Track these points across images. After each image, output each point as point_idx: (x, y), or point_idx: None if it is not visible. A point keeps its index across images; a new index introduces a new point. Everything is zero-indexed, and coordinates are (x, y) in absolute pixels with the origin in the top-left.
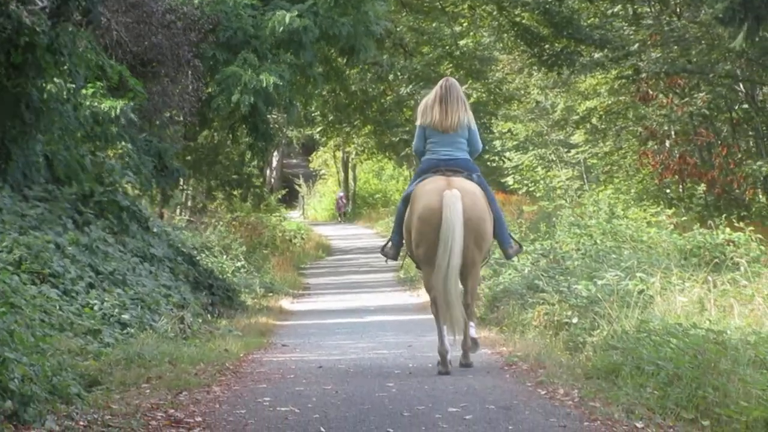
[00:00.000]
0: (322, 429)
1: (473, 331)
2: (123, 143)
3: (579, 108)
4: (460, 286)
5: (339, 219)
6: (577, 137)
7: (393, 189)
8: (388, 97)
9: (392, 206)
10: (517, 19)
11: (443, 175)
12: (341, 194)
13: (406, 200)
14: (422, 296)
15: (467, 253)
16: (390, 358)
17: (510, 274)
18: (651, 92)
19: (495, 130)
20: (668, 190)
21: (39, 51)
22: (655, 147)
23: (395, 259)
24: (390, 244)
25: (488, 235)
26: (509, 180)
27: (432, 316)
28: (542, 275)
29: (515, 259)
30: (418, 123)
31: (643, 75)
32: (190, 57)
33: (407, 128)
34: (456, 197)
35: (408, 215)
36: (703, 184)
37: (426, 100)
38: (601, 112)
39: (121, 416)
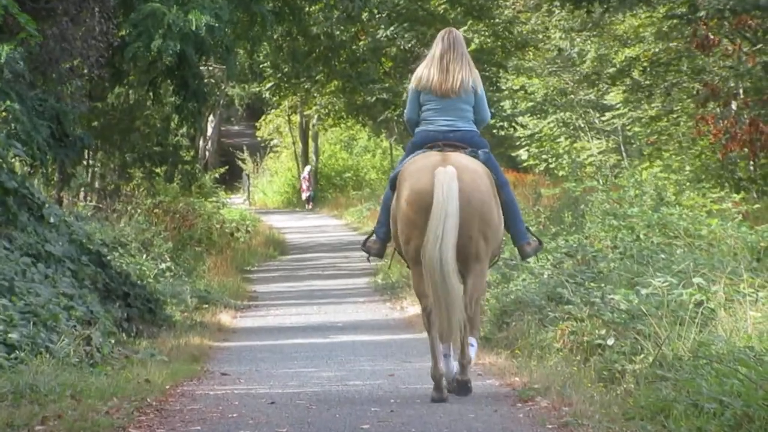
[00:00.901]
0: None
1: (473, 351)
2: (8, 103)
3: (616, 58)
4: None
5: (307, 206)
6: (614, 97)
7: (368, 165)
8: (361, 43)
9: (366, 188)
10: None
11: (441, 151)
12: (307, 173)
13: (394, 183)
14: (407, 309)
15: (469, 243)
16: (365, 392)
17: (524, 280)
18: (712, 37)
19: (504, 87)
20: (735, 168)
21: None
22: (718, 110)
23: (380, 256)
24: (374, 237)
25: (495, 223)
26: (522, 154)
27: (423, 335)
28: (567, 281)
29: (532, 259)
30: (411, 85)
31: (702, 13)
32: None
33: (386, 84)
34: (451, 175)
35: (395, 201)
36: None
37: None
38: (646, 64)
39: None
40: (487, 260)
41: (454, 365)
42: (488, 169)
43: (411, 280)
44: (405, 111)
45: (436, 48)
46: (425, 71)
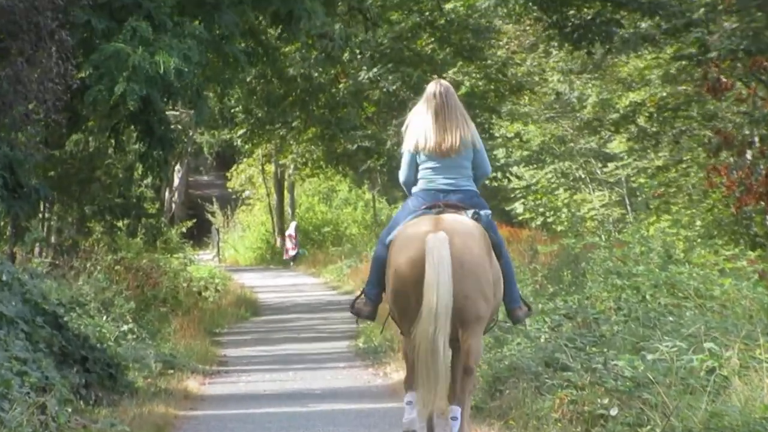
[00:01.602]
0: None
1: (456, 426)
2: None
3: (619, 103)
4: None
5: (291, 264)
6: (617, 145)
7: (348, 219)
8: (341, 86)
9: (347, 244)
10: None
11: (441, 213)
12: (293, 231)
13: (388, 245)
14: (391, 375)
15: (466, 304)
16: None
17: (519, 344)
18: (725, 80)
19: (497, 135)
20: (751, 223)
21: None
22: (731, 159)
23: (372, 318)
24: (364, 299)
25: (491, 282)
26: (517, 207)
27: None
28: (566, 346)
29: (528, 321)
30: (405, 148)
31: (713, 54)
32: (55, 27)
33: (369, 131)
34: (441, 241)
35: (387, 269)
36: None
37: (413, 118)
38: (652, 109)
39: None
40: (486, 321)
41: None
42: (484, 230)
43: (400, 344)
44: (400, 173)
45: (429, 105)
46: (421, 132)
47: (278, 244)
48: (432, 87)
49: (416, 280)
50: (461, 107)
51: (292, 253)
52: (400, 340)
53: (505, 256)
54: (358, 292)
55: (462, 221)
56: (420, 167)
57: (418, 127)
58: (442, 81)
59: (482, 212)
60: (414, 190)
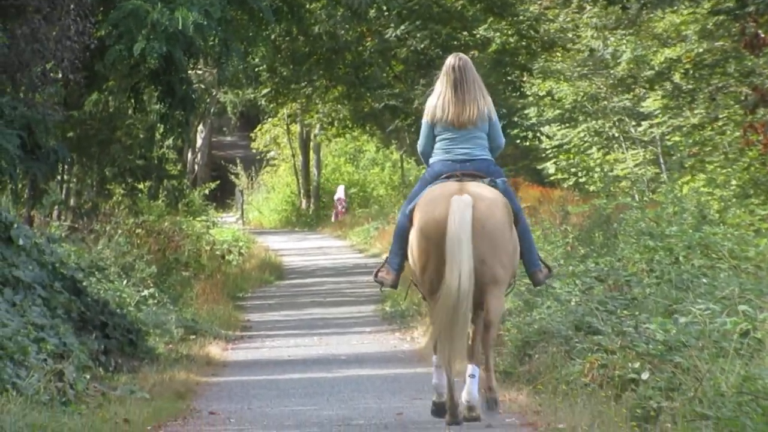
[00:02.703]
0: None
1: (475, 383)
2: None
3: (654, 59)
4: (471, 326)
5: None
6: (652, 103)
7: (375, 180)
8: (368, 44)
9: (374, 206)
10: None
11: (459, 181)
12: (341, 195)
13: (410, 214)
14: (418, 340)
15: (483, 269)
16: None
17: (549, 308)
18: (763, 35)
19: (528, 93)
20: None
21: None
22: None
23: (395, 287)
24: (387, 268)
25: (510, 250)
26: (549, 167)
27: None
28: (597, 309)
29: (558, 284)
30: (425, 119)
31: (751, 8)
32: None
33: (396, 90)
34: (466, 203)
35: (411, 231)
36: None
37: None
38: (688, 66)
39: None
40: (505, 285)
41: (476, 391)
42: (506, 200)
43: (426, 308)
44: (419, 143)
45: (448, 78)
46: (440, 104)
47: (303, 206)
48: (451, 60)
49: (439, 239)
50: (479, 80)
51: (342, 217)
52: (427, 305)
53: (523, 222)
54: (382, 261)
55: (487, 188)
56: (437, 138)
57: (437, 100)
58: (461, 55)
59: (498, 180)
60: (431, 160)
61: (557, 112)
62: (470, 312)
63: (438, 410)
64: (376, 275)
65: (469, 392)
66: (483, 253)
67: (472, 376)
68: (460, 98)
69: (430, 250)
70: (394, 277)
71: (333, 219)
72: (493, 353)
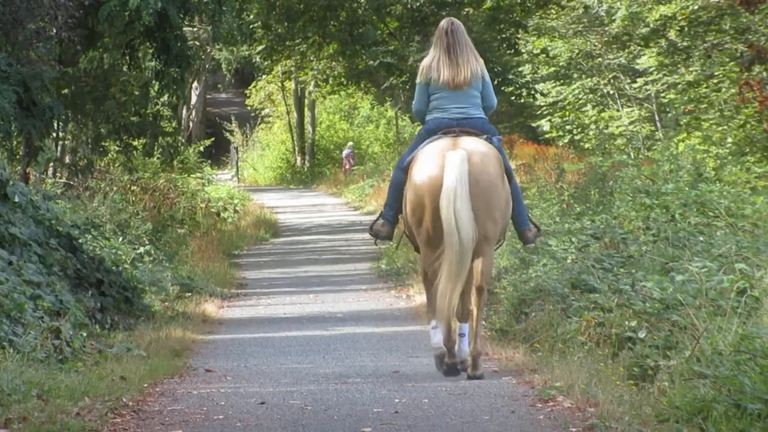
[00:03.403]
0: None
1: (478, 342)
2: None
3: (649, 16)
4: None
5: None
6: (647, 60)
7: (370, 137)
8: (362, 1)
9: (369, 163)
10: None
11: (455, 136)
12: (349, 150)
13: (407, 168)
14: (414, 298)
15: (478, 225)
16: (366, 391)
17: (545, 266)
18: None
19: (523, 50)
20: None
21: None
22: (765, 74)
23: (389, 238)
24: (382, 220)
25: (502, 205)
26: (544, 124)
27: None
28: (593, 267)
29: (554, 242)
30: (419, 80)
31: None
32: None
33: (390, 47)
34: (461, 158)
35: (406, 186)
36: None
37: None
38: (683, 23)
39: None
40: (495, 242)
41: (467, 346)
42: (499, 154)
43: (419, 262)
44: (413, 103)
45: (441, 41)
46: (435, 65)
47: (298, 163)
48: (444, 25)
49: (434, 193)
50: (470, 43)
51: (349, 172)
52: (417, 258)
53: (514, 180)
54: (377, 215)
55: (481, 143)
56: (432, 98)
57: (431, 61)
58: (453, 19)
59: (494, 138)
60: (428, 118)
61: (552, 69)
62: (468, 263)
63: (442, 363)
64: (371, 228)
65: (460, 349)
66: (477, 209)
67: (462, 334)
68: (453, 60)
69: (425, 204)
70: (389, 229)
71: (343, 172)
72: (482, 315)
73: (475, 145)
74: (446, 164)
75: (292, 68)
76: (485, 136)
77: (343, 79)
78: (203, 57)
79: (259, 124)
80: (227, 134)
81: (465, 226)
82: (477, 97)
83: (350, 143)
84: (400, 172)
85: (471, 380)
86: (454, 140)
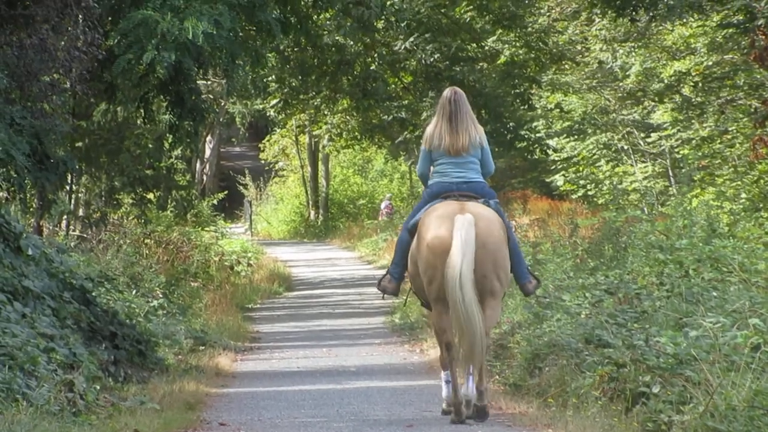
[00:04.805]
0: None
1: (472, 383)
2: None
3: (664, 72)
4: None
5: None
6: (661, 116)
7: (384, 191)
8: (375, 56)
9: (383, 217)
10: None
11: (457, 200)
12: (388, 202)
13: (412, 229)
14: (428, 352)
15: (484, 281)
16: None
17: (559, 320)
18: None
19: (537, 105)
20: None
21: None
22: None
23: (396, 294)
24: (389, 277)
25: (507, 264)
26: (558, 179)
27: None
28: (607, 322)
29: (568, 297)
30: (423, 146)
31: (761, 22)
32: None
33: (405, 101)
34: (469, 222)
35: (415, 246)
36: None
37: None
38: (697, 78)
39: None
40: (501, 296)
41: (473, 385)
42: (500, 217)
43: (428, 318)
44: (417, 166)
45: (444, 110)
46: (437, 133)
47: (312, 216)
48: (447, 94)
49: (445, 255)
50: (470, 112)
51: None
52: (428, 315)
53: (512, 238)
54: (384, 272)
55: (484, 208)
56: (435, 163)
57: (434, 129)
58: (456, 88)
59: (491, 201)
60: (430, 182)
61: (566, 124)
62: (480, 311)
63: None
64: (379, 284)
65: (468, 389)
66: (484, 269)
67: (470, 374)
68: (454, 128)
69: (436, 265)
70: (395, 286)
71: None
72: (485, 362)
73: (480, 210)
74: (455, 227)
75: (306, 122)
76: (483, 200)
77: (356, 133)
78: (217, 110)
79: (273, 177)
80: (241, 188)
81: (467, 285)
82: (476, 163)
83: (388, 195)
84: (406, 232)
85: (477, 411)
86: (460, 204)
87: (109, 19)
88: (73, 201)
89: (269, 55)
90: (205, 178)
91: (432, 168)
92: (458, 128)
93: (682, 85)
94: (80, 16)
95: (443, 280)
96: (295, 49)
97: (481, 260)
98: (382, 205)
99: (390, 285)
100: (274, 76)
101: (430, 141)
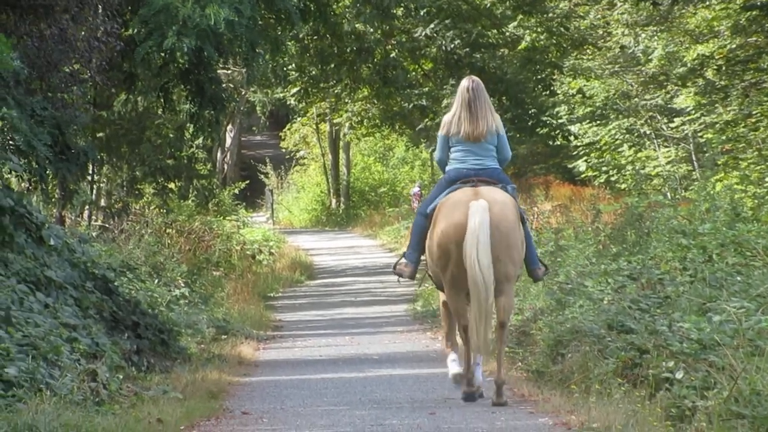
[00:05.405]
0: None
1: (479, 371)
2: (3, 110)
3: (686, 56)
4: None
5: None
6: (684, 100)
7: (405, 179)
8: (394, 44)
9: (404, 205)
10: None
11: (474, 186)
12: (418, 189)
13: (429, 214)
14: None
15: (499, 266)
16: None
17: (581, 307)
18: None
19: (559, 91)
20: None
21: None
22: None
23: (412, 278)
24: (405, 261)
25: (519, 247)
26: (580, 165)
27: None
28: (630, 308)
29: (591, 283)
30: (440, 133)
31: None
32: None
33: (425, 89)
34: (483, 207)
35: (431, 232)
36: None
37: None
38: (721, 62)
39: None
40: (515, 280)
41: (481, 374)
42: (515, 201)
43: (439, 298)
44: (435, 153)
45: (462, 98)
46: (455, 120)
47: (333, 205)
48: (465, 83)
49: (459, 241)
50: (488, 100)
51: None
52: (438, 297)
53: (526, 224)
54: (400, 256)
55: (499, 192)
56: (452, 150)
57: (452, 116)
58: (474, 77)
59: (509, 187)
60: (448, 168)
61: (588, 109)
62: (493, 301)
63: (467, 396)
64: (395, 268)
65: (476, 377)
66: (498, 252)
67: (478, 364)
68: (473, 116)
69: (451, 250)
70: (412, 270)
71: (412, 209)
72: (504, 348)
73: (494, 195)
74: (470, 213)
75: (327, 110)
76: (500, 185)
77: (377, 121)
78: (238, 99)
79: (294, 166)
80: (262, 176)
81: (486, 269)
82: (492, 150)
83: (418, 182)
84: (423, 218)
85: (496, 407)
86: (475, 190)
87: (128, 8)
88: (94, 191)
89: (288, 43)
90: (226, 167)
91: (450, 154)
92: (477, 115)
93: (705, 68)
94: (99, 6)
95: (458, 265)
96: (315, 38)
97: (495, 244)
98: (412, 192)
99: (406, 269)
100: (294, 65)
101: (448, 127)
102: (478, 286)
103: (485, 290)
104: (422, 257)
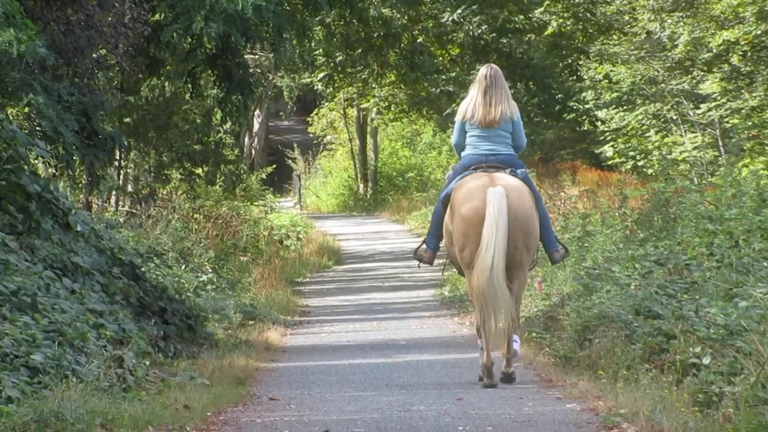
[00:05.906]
0: None
1: (518, 346)
2: (30, 96)
3: (712, 41)
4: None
5: None
6: (710, 86)
7: (433, 164)
8: (424, 28)
9: (432, 189)
10: None
11: (485, 172)
12: (452, 172)
13: (445, 200)
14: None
15: (515, 253)
16: (430, 419)
17: (609, 292)
18: None
19: (585, 76)
20: None
21: None
22: None
23: (431, 263)
24: (425, 247)
25: (536, 234)
26: (607, 150)
27: (495, 354)
28: (657, 293)
29: (618, 268)
30: (457, 118)
31: None
32: None
33: (452, 74)
34: (501, 194)
35: (449, 216)
36: None
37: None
38: (746, 48)
39: None
40: (528, 267)
41: (519, 348)
42: (528, 188)
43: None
44: (452, 138)
45: (480, 85)
46: (470, 106)
47: (361, 190)
48: (483, 70)
49: (479, 224)
50: (506, 87)
51: None
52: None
53: (541, 208)
54: (421, 242)
55: (512, 179)
56: (468, 135)
57: (469, 103)
58: (493, 65)
59: (518, 170)
60: (463, 153)
61: (615, 95)
62: (505, 282)
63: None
64: (415, 253)
65: (511, 350)
66: (516, 241)
67: (515, 341)
68: (488, 102)
69: (469, 234)
70: (431, 255)
71: None
72: (515, 328)
73: (509, 181)
74: (488, 200)
75: (354, 95)
76: (510, 170)
77: (404, 106)
78: (265, 84)
79: (322, 151)
80: (289, 162)
81: (500, 254)
82: (507, 137)
83: (452, 165)
84: (440, 204)
85: (504, 380)
86: (491, 177)
87: None
88: (121, 177)
89: (315, 28)
90: (253, 152)
91: (465, 140)
92: (492, 101)
93: (731, 54)
94: None
95: (476, 248)
96: (341, 23)
97: (513, 232)
98: (447, 176)
99: (426, 254)
100: (321, 50)
101: (464, 113)
102: (486, 269)
103: (493, 275)
104: (441, 244)
